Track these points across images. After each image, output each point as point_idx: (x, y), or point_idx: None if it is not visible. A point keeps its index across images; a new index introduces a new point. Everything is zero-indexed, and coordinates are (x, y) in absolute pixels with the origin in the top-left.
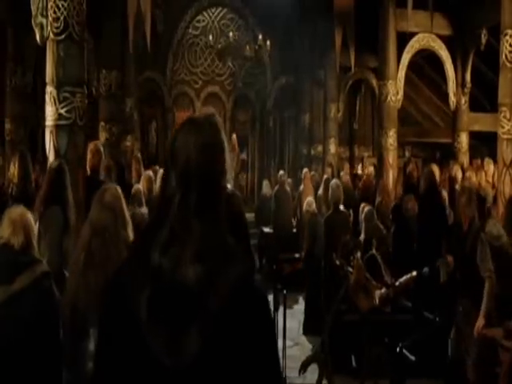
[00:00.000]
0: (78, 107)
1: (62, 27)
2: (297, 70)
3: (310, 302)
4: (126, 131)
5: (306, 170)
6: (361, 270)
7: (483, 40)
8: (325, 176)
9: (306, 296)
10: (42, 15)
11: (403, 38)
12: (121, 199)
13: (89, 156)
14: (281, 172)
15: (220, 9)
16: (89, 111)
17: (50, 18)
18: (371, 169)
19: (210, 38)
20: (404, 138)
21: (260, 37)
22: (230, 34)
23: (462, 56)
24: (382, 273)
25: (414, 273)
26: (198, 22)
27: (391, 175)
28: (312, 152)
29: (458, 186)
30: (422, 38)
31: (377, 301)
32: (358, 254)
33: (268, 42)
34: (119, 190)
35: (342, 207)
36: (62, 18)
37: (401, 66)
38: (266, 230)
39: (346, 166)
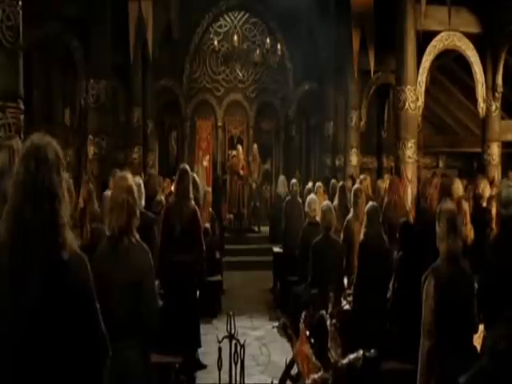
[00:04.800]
0: (10, 124)
1: None
2: (320, 76)
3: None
4: (133, 143)
5: (318, 183)
6: (303, 341)
7: None
8: (340, 183)
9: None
10: None
11: (425, 38)
12: None
13: None
14: (293, 181)
15: (243, 13)
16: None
17: None
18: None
19: (215, 42)
20: (436, 147)
21: (268, 40)
22: (235, 38)
23: (492, 56)
24: (328, 344)
25: (361, 352)
26: (220, 27)
27: (410, 192)
28: (337, 163)
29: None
30: (445, 37)
31: None
32: (303, 315)
33: (279, 46)
34: None
35: (333, 235)
36: None
37: (421, 70)
38: (276, 249)
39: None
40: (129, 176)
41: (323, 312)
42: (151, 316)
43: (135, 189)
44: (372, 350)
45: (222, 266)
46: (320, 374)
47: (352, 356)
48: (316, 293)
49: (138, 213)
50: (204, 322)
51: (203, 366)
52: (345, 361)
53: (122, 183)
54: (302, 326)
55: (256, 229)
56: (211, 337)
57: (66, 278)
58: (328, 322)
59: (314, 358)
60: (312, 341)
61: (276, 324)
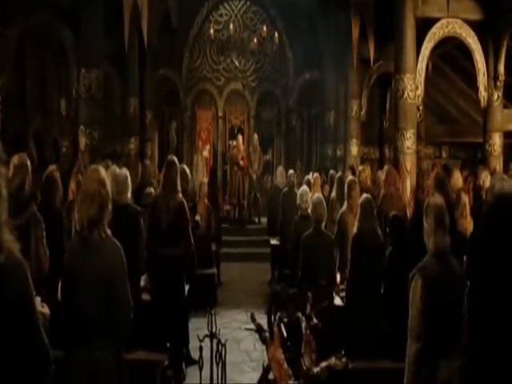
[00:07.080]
0: None
1: None
2: (321, 65)
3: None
4: (129, 134)
5: (316, 174)
6: (276, 345)
7: None
8: (338, 173)
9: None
10: None
11: (425, 26)
12: None
13: (12, 171)
14: (290, 171)
15: (243, 2)
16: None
17: None
18: None
19: (211, 31)
20: (438, 137)
21: (264, 28)
22: (231, 26)
23: (493, 44)
24: (302, 350)
25: (333, 359)
26: (221, 16)
27: (408, 183)
28: (338, 153)
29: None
30: (446, 24)
31: None
32: (278, 317)
33: (276, 34)
34: None
35: (324, 229)
36: None
37: (421, 57)
38: (274, 241)
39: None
40: (102, 169)
41: (299, 314)
42: (124, 316)
43: (108, 182)
44: (343, 359)
45: (219, 258)
46: (291, 382)
47: (324, 364)
48: (295, 292)
49: (110, 206)
50: (198, 316)
51: (194, 362)
52: (316, 369)
53: (93, 175)
54: (275, 328)
55: (256, 220)
56: (203, 332)
57: (2, 283)
58: (303, 325)
59: (285, 365)
60: (288, 344)
61: (249, 326)
